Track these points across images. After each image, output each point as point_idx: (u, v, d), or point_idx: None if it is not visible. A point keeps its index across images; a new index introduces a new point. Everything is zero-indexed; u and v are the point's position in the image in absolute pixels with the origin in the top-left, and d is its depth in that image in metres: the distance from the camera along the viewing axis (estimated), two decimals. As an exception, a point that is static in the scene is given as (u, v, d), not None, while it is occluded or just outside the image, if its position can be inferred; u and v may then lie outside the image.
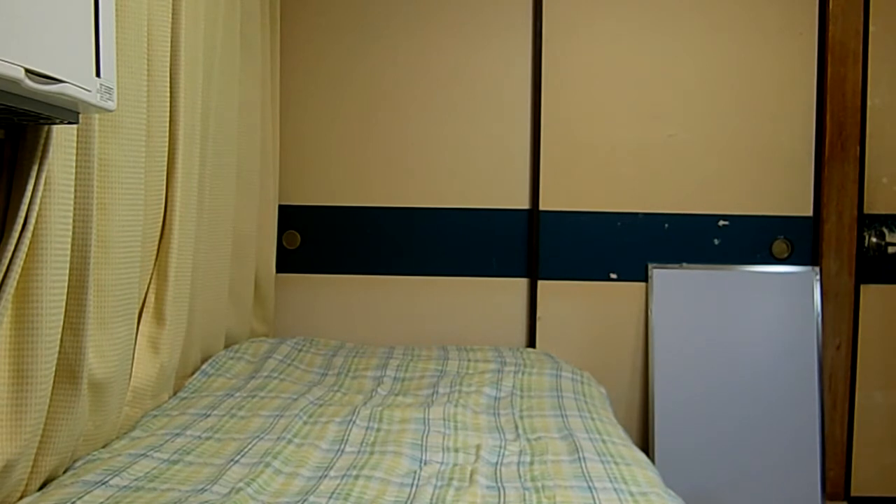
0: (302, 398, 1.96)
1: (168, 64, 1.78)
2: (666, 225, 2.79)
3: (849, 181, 2.72)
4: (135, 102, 1.61)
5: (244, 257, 2.49)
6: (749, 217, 2.78)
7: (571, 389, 2.14)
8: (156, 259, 1.84)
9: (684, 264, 2.79)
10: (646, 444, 2.72)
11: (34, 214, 1.24)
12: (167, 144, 1.82)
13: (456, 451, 1.66)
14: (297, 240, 2.87)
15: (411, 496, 1.40)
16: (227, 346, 2.37)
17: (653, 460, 2.48)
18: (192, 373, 2.12)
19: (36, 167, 1.23)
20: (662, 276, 2.77)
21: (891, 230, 2.73)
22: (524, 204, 2.82)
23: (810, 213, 2.77)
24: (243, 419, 1.78)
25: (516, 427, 1.83)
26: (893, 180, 2.74)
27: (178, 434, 1.66)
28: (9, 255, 1.21)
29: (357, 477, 1.46)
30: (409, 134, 2.83)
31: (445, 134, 2.82)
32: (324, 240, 2.86)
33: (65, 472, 1.45)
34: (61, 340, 1.37)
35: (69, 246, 1.36)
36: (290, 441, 1.63)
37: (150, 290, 1.83)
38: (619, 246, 2.80)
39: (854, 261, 2.72)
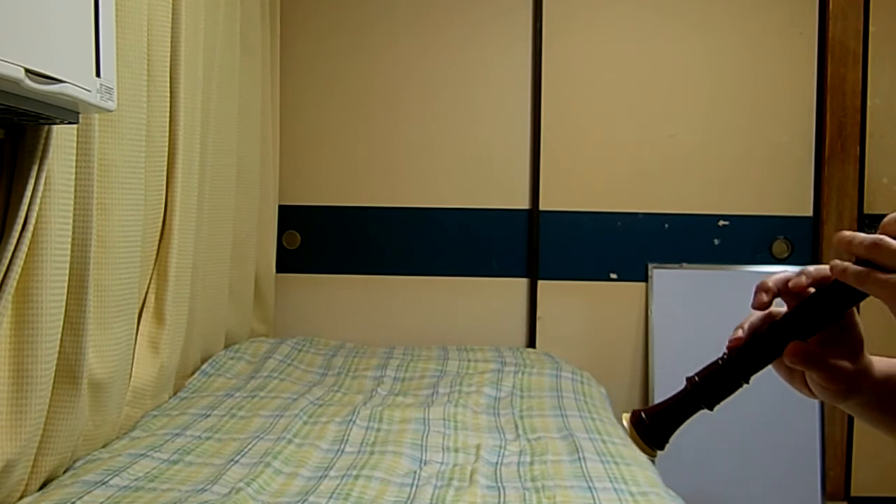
0: (302, 398, 1.96)
1: (168, 64, 1.78)
2: (666, 225, 2.79)
3: (849, 181, 2.72)
4: (135, 102, 1.61)
5: (244, 257, 2.49)
6: (749, 217, 2.78)
7: (571, 389, 2.14)
8: (156, 259, 1.84)
9: (684, 264, 2.79)
10: (646, 444, 2.72)
11: (34, 214, 1.24)
12: (167, 144, 1.82)
13: (456, 451, 1.66)
14: (297, 240, 2.86)
15: (411, 496, 1.40)
16: (227, 346, 2.37)
17: (652, 460, 2.48)
18: (192, 373, 2.12)
19: (36, 167, 1.23)
20: (662, 276, 2.77)
21: (891, 230, 2.72)
22: (524, 204, 2.82)
23: (810, 213, 2.77)
24: (243, 419, 1.78)
25: (516, 427, 1.83)
26: (893, 180, 2.74)
27: (178, 434, 1.65)
28: (9, 255, 1.21)
29: (357, 477, 1.46)
30: (408, 134, 2.83)
31: (445, 134, 2.82)
32: (324, 240, 2.86)
33: (65, 472, 1.45)
34: (61, 340, 1.37)
35: (69, 246, 1.36)
36: (290, 441, 1.63)
37: (150, 290, 1.83)
38: (619, 246, 2.80)
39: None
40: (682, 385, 0.70)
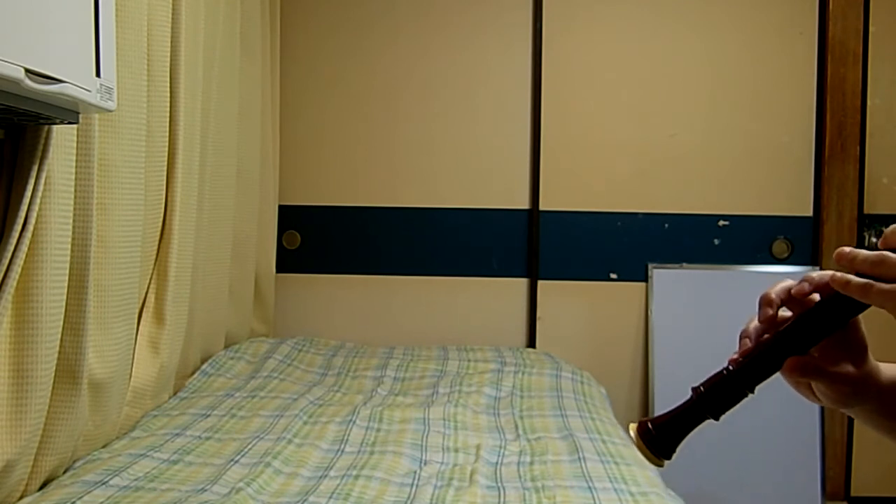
0: (302, 398, 1.96)
1: (168, 64, 1.78)
2: (666, 225, 2.79)
3: (849, 181, 2.72)
4: (135, 102, 1.61)
5: (244, 257, 2.49)
6: (749, 217, 2.78)
7: (571, 389, 2.14)
8: (156, 259, 1.84)
9: (684, 264, 2.79)
10: (646, 444, 2.72)
11: (34, 214, 1.24)
12: (167, 144, 1.82)
13: (456, 451, 1.66)
14: (297, 240, 2.86)
15: (411, 496, 1.40)
16: (227, 346, 2.37)
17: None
18: (192, 373, 2.12)
19: (36, 167, 1.23)
20: (662, 276, 2.77)
21: (891, 230, 2.72)
22: (524, 204, 2.82)
23: (810, 213, 2.77)
24: (243, 419, 1.78)
25: (516, 427, 1.83)
26: (893, 180, 2.74)
27: (178, 434, 1.65)
28: (9, 255, 1.21)
29: (357, 477, 1.46)
30: (408, 134, 2.83)
31: (445, 134, 2.82)
32: (324, 240, 2.86)
33: (65, 472, 1.45)
34: (61, 340, 1.37)
35: (69, 246, 1.36)
36: (290, 441, 1.63)
37: (150, 290, 1.83)
38: (619, 246, 2.80)
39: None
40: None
